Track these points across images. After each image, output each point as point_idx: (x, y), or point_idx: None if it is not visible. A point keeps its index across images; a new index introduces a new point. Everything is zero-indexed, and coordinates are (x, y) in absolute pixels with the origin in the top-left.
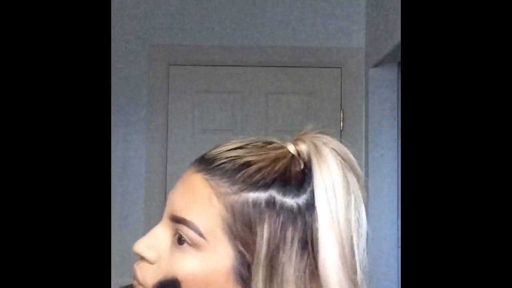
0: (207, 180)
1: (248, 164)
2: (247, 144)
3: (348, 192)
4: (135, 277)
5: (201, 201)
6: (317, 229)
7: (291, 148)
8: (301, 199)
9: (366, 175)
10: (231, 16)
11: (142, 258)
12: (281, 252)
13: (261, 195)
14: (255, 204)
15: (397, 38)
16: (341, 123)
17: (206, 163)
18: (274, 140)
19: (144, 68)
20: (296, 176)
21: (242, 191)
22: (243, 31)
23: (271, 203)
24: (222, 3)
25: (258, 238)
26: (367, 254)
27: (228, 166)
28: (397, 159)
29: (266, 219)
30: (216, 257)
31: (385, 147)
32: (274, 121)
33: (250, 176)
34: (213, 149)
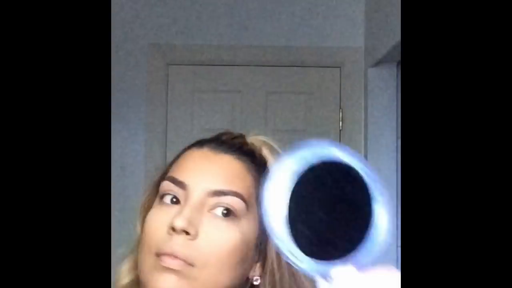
0: (235, 159)
1: (252, 150)
2: (240, 135)
3: None
4: (173, 251)
5: (238, 175)
6: None
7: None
8: None
9: None
10: (230, 15)
11: (178, 233)
12: None
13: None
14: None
15: (396, 37)
16: (340, 122)
17: (226, 147)
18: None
19: (143, 67)
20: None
21: (260, 168)
22: (242, 31)
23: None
24: (221, 3)
25: None
26: None
27: (244, 149)
28: (397, 159)
29: None
30: (250, 226)
31: (385, 147)
32: (273, 120)
33: (264, 157)
34: (219, 136)
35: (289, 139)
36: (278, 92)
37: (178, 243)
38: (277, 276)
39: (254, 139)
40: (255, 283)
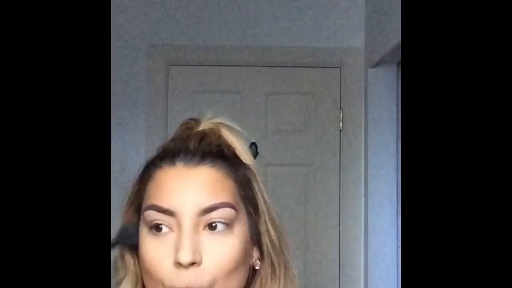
0: (210, 168)
1: (221, 147)
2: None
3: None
4: (187, 286)
5: (220, 184)
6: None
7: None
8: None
9: (366, 174)
10: (231, 16)
11: (186, 267)
12: (266, 199)
13: (242, 163)
14: (244, 170)
15: (396, 38)
16: (341, 123)
17: (198, 157)
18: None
19: (144, 68)
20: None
21: (233, 165)
22: (243, 31)
23: (245, 167)
24: (222, 3)
25: (256, 195)
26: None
27: (214, 150)
28: (397, 159)
29: (252, 179)
30: (242, 225)
31: (385, 147)
32: (273, 121)
33: (232, 154)
34: (180, 142)
35: (289, 140)
36: (278, 93)
37: (190, 276)
38: (274, 258)
39: (210, 123)
40: (256, 267)
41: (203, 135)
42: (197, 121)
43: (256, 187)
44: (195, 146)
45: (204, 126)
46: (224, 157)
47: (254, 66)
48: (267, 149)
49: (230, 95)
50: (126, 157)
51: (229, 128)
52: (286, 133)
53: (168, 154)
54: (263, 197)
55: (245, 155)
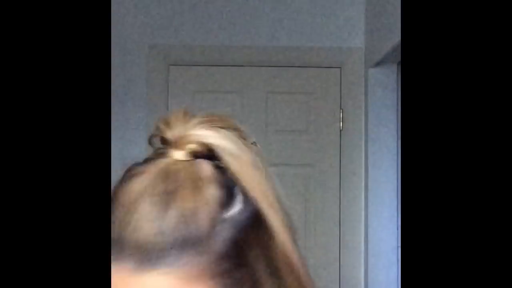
0: (167, 274)
1: (194, 218)
2: (154, 188)
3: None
4: None
5: None
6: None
7: (181, 155)
8: (240, 204)
9: (366, 174)
10: (230, 16)
11: None
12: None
13: (225, 227)
14: (228, 239)
15: (397, 38)
16: (341, 123)
17: (149, 254)
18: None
19: (144, 68)
20: (221, 184)
21: (212, 247)
22: (242, 31)
23: (234, 224)
24: (221, 3)
25: (252, 263)
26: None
27: (178, 236)
28: (397, 158)
29: (247, 239)
30: None
31: (385, 146)
32: (274, 121)
33: (208, 224)
34: (134, 228)
35: (289, 140)
36: (278, 92)
37: None
38: None
39: (193, 145)
40: None
41: (171, 195)
42: (174, 134)
43: (249, 252)
44: (150, 234)
45: (182, 153)
46: (196, 239)
47: (254, 66)
48: (267, 149)
49: (230, 95)
50: (126, 157)
51: (226, 151)
52: (286, 133)
53: (116, 242)
54: (262, 254)
55: (253, 186)
